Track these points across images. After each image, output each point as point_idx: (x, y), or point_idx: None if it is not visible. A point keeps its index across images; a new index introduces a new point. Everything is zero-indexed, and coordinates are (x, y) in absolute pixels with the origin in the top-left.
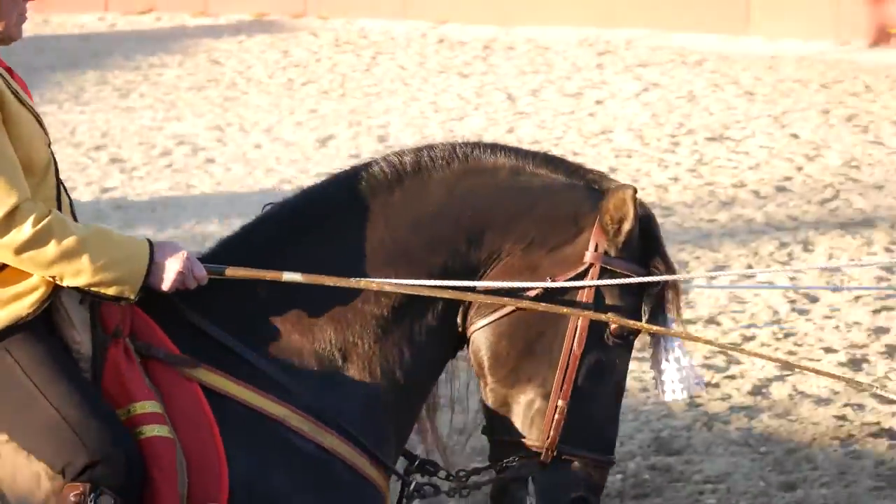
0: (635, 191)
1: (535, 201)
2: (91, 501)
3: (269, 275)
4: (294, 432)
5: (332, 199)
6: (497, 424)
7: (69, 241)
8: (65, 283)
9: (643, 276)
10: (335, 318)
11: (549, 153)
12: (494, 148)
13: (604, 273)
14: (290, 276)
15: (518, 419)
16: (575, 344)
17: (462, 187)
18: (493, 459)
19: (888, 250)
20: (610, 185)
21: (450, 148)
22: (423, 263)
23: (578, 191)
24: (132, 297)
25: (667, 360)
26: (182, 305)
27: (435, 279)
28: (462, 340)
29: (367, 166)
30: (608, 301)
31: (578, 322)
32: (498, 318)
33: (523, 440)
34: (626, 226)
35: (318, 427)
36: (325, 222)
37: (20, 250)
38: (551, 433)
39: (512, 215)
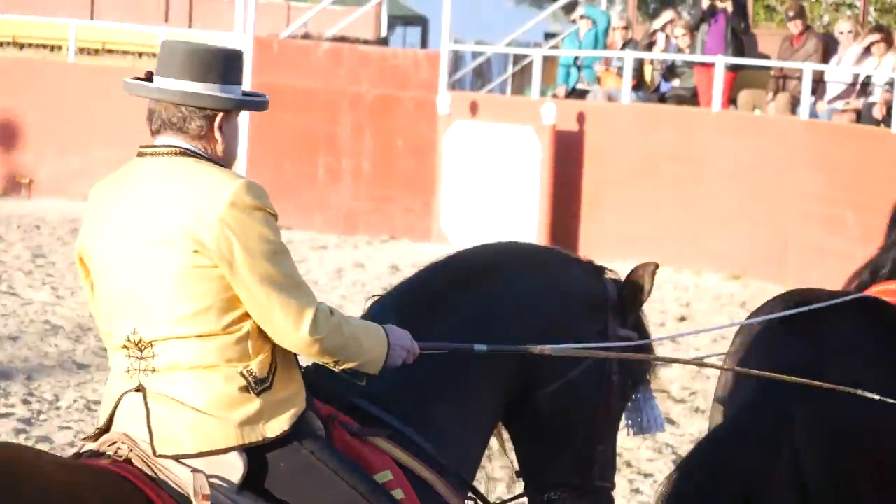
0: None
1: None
2: None
3: (462, 347)
4: (439, 495)
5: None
6: (542, 466)
7: (347, 334)
8: (338, 368)
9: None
10: (454, 386)
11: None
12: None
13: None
14: (478, 348)
15: (564, 461)
16: (614, 398)
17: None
18: (536, 492)
19: None
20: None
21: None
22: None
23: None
24: (375, 374)
25: (644, 404)
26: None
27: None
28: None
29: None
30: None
31: (615, 379)
32: (562, 384)
33: (567, 478)
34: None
35: (449, 490)
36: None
37: (320, 347)
38: (594, 471)
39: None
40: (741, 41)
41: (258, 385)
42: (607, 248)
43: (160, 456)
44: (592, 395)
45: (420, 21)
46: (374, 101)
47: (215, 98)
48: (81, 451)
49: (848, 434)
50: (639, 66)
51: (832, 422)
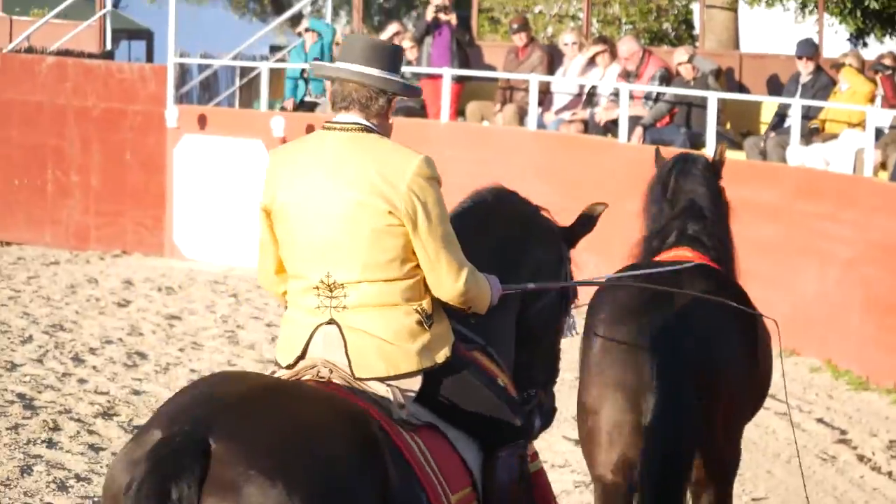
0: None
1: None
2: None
3: (521, 288)
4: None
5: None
6: (525, 368)
7: (481, 286)
8: (469, 311)
9: None
10: (501, 312)
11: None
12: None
13: None
14: (530, 287)
15: (538, 364)
16: (566, 315)
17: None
18: (520, 390)
19: None
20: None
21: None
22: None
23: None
24: (483, 312)
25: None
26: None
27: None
28: None
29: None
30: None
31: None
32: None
33: (539, 376)
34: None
35: (515, 392)
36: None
37: (467, 297)
38: (555, 371)
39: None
40: (466, 53)
41: (428, 320)
42: None
43: (358, 378)
44: (557, 312)
45: (145, 34)
46: (101, 114)
47: (397, 83)
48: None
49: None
50: None
51: None
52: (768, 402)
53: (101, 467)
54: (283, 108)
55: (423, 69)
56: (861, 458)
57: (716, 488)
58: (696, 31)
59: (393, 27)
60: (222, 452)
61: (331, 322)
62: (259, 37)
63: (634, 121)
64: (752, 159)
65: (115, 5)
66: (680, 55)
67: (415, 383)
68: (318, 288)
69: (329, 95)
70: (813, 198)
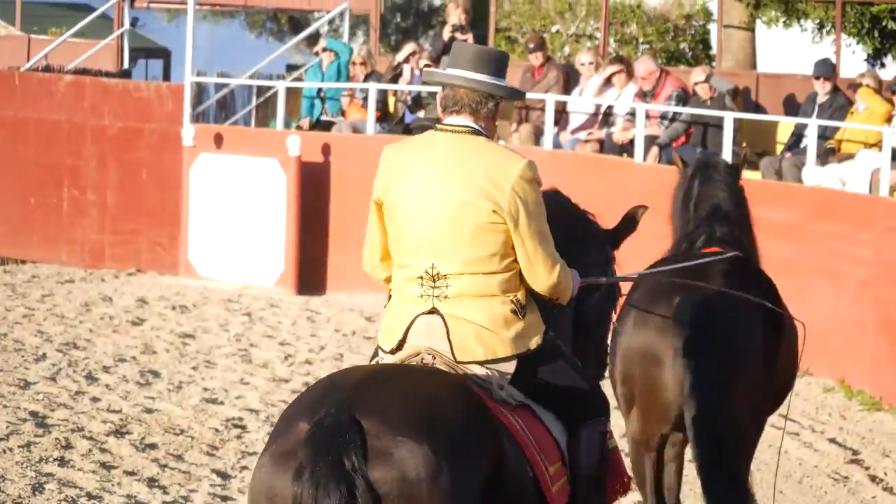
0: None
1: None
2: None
3: (595, 281)
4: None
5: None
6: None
7: (569, 279)
8: (556, 301)
9: None
10: (569, 306)
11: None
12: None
13: None
14: (601, 281)
15: (592, 355)
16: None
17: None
18: None
19: None
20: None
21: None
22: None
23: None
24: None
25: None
26: None
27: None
28: None
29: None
30: None
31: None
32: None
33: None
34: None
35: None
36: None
37: (558, 289)
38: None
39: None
40: None
41: (521, 310)
42: (355, 279)
43: (460, 362)
44: (606, 309)
45: (162, 53)
46: (118, 133)
47: (505, 88)
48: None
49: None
50: (383, 98)
51: None
52: (780, 422)
53: (113, 485)
54: (299, 128)
55: (439, 88)
56: (873, 478)
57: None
58: (713, 51)
59: (409, 47)
60: (370, 426)
61: (432, 311)
62: (276, 56)
63: (650, 140)
64: (767, 179)
65: (133, 24)
66: (697, 75)
67: (510, 367)
68: (422, 278)
69: (439, 100)
70: (828, 218)
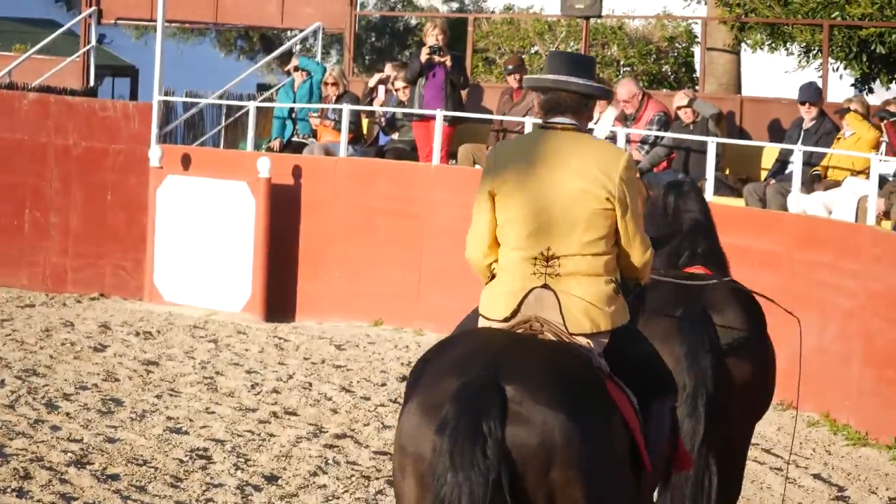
0: None
1: None
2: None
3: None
4: None
5: None
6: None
7: (653, 257)
8: (642, 280)
9: None
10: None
11: None
12: None
13: None
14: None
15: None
16: None
17: None
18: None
19: None
20: None
21: None
22: None
23: None
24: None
25: None
26: None
27: None
28: None
29: None
30: None
31: None
32: None
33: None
34: None
35: None
36: None
37: (648, 268)
38: None
39: None
40: (460, 95)
41: (619, 288)
42: (325, 305)
43: (571, 334)
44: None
45: (130, 71)
46: (83, 153)
47: (599, 89)
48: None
49: None
50: (356, 120)
51: None
52: (763, 456)
53: None
54: (269, 149)
55: (415, 110)
56: None
57: (721, 469)
58: (697, 74)
59: (388, 69)
60: (514, 393)
61: (545, 286)
62: (246, 75)
63: None
64: (751, 206)
65: (100, 41)
66: (680, 99)
67: (605, 340)
68: (536, 259)
69: (540, 103)
70: (814, 247)
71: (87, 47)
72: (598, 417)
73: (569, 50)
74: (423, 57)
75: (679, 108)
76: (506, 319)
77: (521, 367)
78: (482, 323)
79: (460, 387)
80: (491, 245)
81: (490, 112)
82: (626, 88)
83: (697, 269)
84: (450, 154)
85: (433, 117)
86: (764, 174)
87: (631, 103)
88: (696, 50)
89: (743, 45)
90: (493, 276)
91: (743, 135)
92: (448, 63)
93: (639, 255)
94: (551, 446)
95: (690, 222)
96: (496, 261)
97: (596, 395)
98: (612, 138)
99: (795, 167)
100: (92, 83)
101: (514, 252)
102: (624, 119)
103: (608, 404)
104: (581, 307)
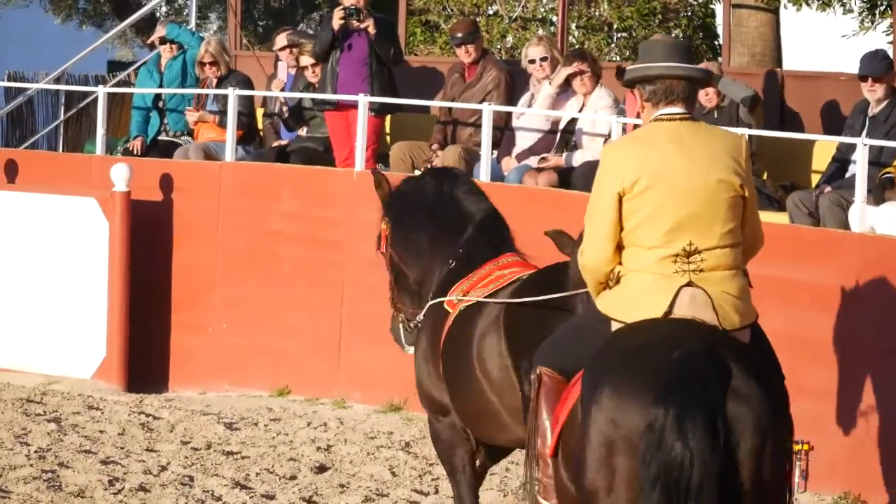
0: None
1: None
2: None
3: None
4: None
5: None
6: None
7: None
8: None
9: None
10: None
11: None
12: None
13: None
14: None
15: None
16: None
17: None
18: None
19: None
20: None
21: None
22: None
23: None
24: None
25: None
26: None
27: None
28: None
29: None
30: None
31: None
32: None
33: None
34: None
35: None
36: None
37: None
38: None
39: None
40: (390, 73)
41: (748, 281)
42: (211, 367)
43: (725, 330)
44: None
45: None
46: None
47: (704, 72)
48: None
49: None
50: (248, 110)
51: None
52: None
53: None
54: (127, 151)
55: (328, 96)
56: None
57: None
58: (720, 42)
59: (282, 39)
60: (736, 369)
61: (689, 284)
62: (92, 50)
63: None
64: (798, 223)
65: None
66: None
67: (748, 335)
68: (677, 255)
69: (645, 95)
70: (886, 277)
71: None
72: (787, 403)
73: (542, 10)
74: (336, 22)
75: None
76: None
77: (731, 345)
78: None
79: (682, 358)
80: (616, 249)
81: (432, 97)
82: None
83: (510, 257)
84: (378, 155)
85: (354, 105)
86: (815, 179)
87: None
88: (718, 7)
89: (782, 1)
90: (617, 281)
91: (785, 125)
92: (372, 30)
93: (761, 237)
94: (764, 424)
95: (481, 214)
96: (619, 263)
97: (781, 382)
98: (607, 136)
99: (859, 168)
100: None
101: (650, 251)
102: (619, 104)
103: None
104: (730, 303)
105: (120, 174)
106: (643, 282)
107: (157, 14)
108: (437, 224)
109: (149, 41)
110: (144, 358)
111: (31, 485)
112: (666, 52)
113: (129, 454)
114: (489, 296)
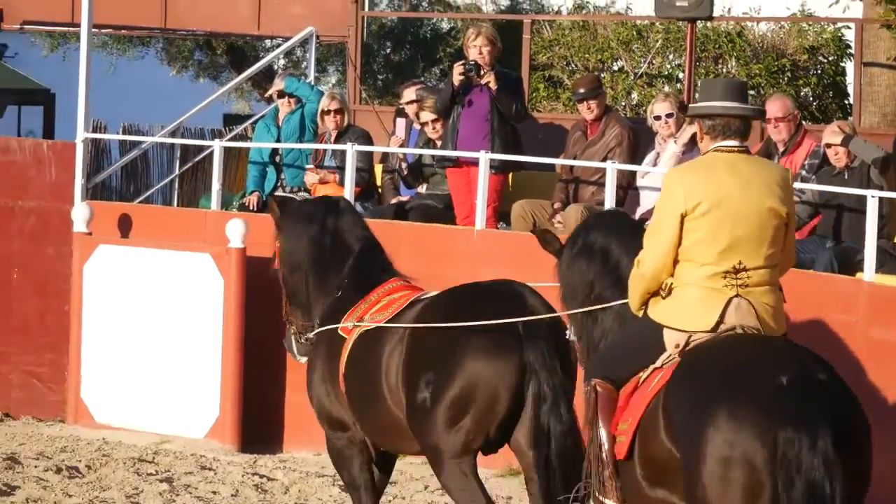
0: None
1: None
2: None
3: None
4: None
5: None
6: None
7: None
8: None
9: None
10: None
11: None
12: None
13: None
14: None
15: None
16: None
17: None
18: None
19: None
20: None
21: None
22: None
23: None
24: None
25: None
26: None
27: None
28: None
29: None
30: None
31: None
32: None
33: None
34: None
35: None
36: None
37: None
38: None
39: None
40: (514, 130)
41: (782, 296)
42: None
43: (795, 344)
44: None
45: (42, 97)
46: None
47: (758, 111)
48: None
49: None
50: (367, 166)
51: None
52: None
53: None
54: (243, 207)
55: (448, 152)
56: None
57: None
58: (850, 101)
59: (410, 93)
60: (831, 383)
61: (737, 295)
62: (209, 103)
63: None
64: None
65: (0, 54)
66: (830, 135)
67: None
68: (727, 272)
69: (705, 128)
70: None
71: None
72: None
73: (668, 66)
74: (456, 78)
75: (828, 146)
76: (712, 329)
77: (812, 361)
78: (675, 335)
79: (793, 382)
80: (672, 262)
81: (556, 154)
82: (778, 104)
83: (396, 282)
84: (499, 213)
85: (475, 162)
86: None
87: (783, 126)
88: (849, 66)
89: None
90: (669, 292)
91: None
92: (493, 85)
93: (792, 261)
94: (858, 432)
95: (365, 239)
96: (671, 276)
97: None
98: None
99: None
100: None
101: (703, 267)
102: (768, 153)
103: None
104: (770, 313)
105: (235, 230)
106: (696, 294)
107: (275, 67)
108: (323, 252)
109: (266, 95)
110: (258, 417)
111: None
112: (724, 90)
113: None
114: (391, 319)
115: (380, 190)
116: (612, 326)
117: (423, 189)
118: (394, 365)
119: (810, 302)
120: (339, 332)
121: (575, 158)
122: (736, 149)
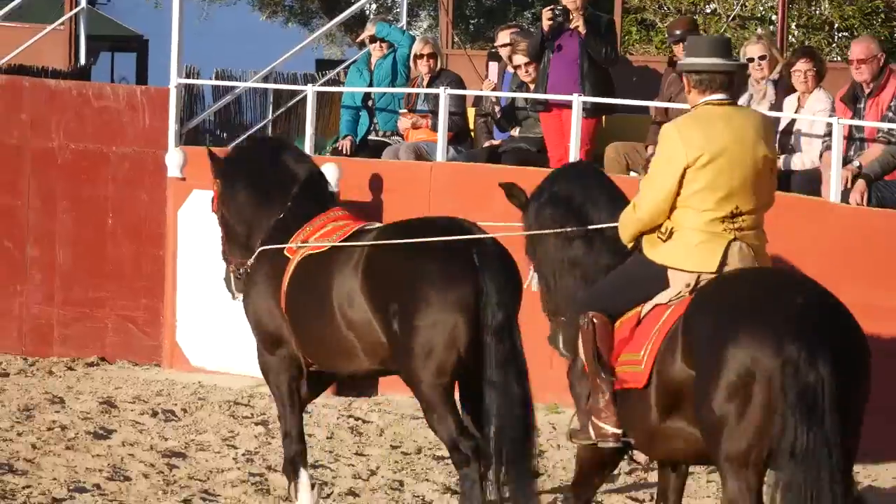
0: None
1: None
2: None
3: None
4: None
5: None
6: None
7: None
8: None
9: None
10: None
11: None
12: None
13: None
14: None
15: None
16: None
17: None
18: None
19: None
20: None
21: None
22: None
23: None
24: None
25: None
26: None
27: None
28: None
29: None
30: None
31: None
32: None
33: None
34: None
35: None
36: None
37: None
38: None
39: None
40: (606, 73)
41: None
42: None
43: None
44: None
45: (136, 44)
46: (72, 160)
47: (744, 67)
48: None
49: None
50: (460, 110)
51: None
52: None
53: None
54: (336, 151)
55: (540, 95)
56: None
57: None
58: None
59: (504, 36)
60: (841, 312)
61: (735, 239)
62: (301, 48)
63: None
64: None
65: (92, 2)
66: None
67: None
68: (725, 217)
69: (692, 83)
70: None
71: (76, 10)
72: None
73: (761, 8)
74: (545, 23)
75: None
76: (717, 271)
77: (822, 287)
78: (684, 276)
79: (808, 303)
80: (669, 208)
81: (649, 97)
82: (860, 46)
83: (338, 211)
84: (593, 156)
85: (567, 105)
86: None
87: (867, 67)
88: None
89: None
90: (669, 235)
91: None
92: (582, 30)
93: (773, 201)
94: (861, 356)
95: (310, 170)
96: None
97: None
98: (827, 134)
99: None
100: (83, 61)
101: (703, 213)
102: (855, 98)
103: None
104: (762, 252)
105: (329, 174)
106: (697, 238)
107: (367, 12)
108: (266, 182)
109: (358, 40)
110: None
111: (239, 488)
112: (710, 47)
113: (337, 458)
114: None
115: (473, 134)
116: (579, 255)
117: (516, 132)
118: (347, 289)
119: None
120: (285, 252)
121: (669, 100)
122: (726, 102)
